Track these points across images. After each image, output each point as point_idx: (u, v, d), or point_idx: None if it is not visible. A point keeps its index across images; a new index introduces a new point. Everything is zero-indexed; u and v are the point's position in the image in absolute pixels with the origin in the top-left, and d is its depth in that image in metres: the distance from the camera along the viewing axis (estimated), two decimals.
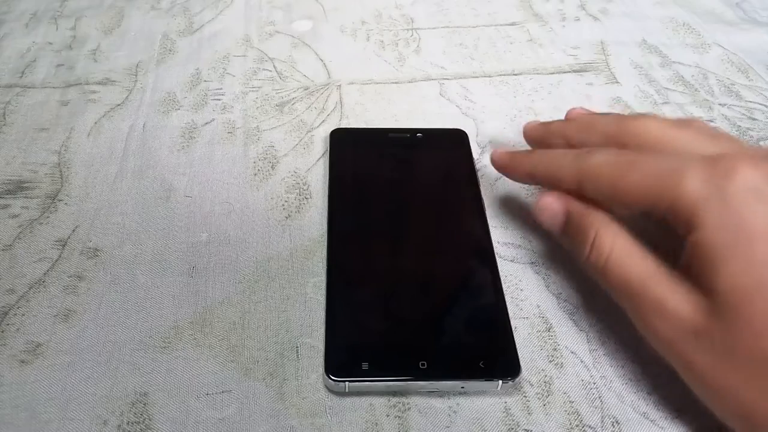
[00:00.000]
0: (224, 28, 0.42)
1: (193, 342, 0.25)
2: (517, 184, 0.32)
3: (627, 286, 0.23)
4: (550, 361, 0.25)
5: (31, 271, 0.28)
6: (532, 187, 0.32)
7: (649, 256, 0.23)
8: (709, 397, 0.21)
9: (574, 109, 0.30)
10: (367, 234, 0.29)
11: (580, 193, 0.25)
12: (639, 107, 0.37)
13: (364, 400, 0.24)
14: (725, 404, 0.21)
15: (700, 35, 0.43)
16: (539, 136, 0.30)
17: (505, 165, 0.29)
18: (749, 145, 0.34)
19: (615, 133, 0.26)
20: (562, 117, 0.30)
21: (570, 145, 0.28)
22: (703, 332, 0.20)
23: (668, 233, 0.22)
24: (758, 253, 0.20)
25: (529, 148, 0.31)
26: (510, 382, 0.23)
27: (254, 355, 0.25)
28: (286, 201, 0.31)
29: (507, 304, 0.26)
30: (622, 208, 0.24)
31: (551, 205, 0.26)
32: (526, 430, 0.23)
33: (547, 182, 0.27)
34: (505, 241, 0.30)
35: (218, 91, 0.37)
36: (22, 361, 0.25)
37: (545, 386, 0.25)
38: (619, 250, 0.23)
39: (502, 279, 0.27)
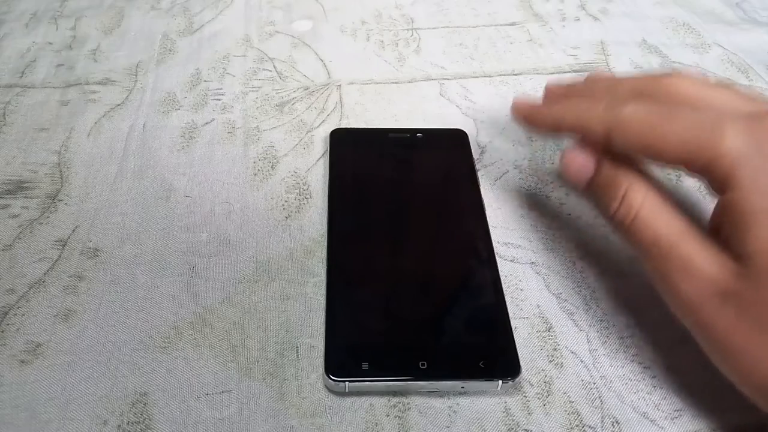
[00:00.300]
0: (224, 28, 0.42)
1: (193, 342, 0.25)
2: (517, 183, 0.32)
3: (654, 244, 0.22)
4: (550, 361, 0.25)
5: (31, 271, 0.28)
6: (533, 186, 0.32)
7: (680, 215, 0.22)
8: (729, 364, 0.20)
9: (595, 70, 0.29)
10: (367, 234, 0.29)
11: (607, 144, 0.24)
12: None
13: (364, 400, 0.24)
14: (746, 371, 0.20)
15: (700, 35, 0.43)
16: (562, 96, 0.28)
17: (527, 114, 0.27)
18: None
19: (645, 92, 0.24)
20: None
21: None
22: (730, 294, 0.20)
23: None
24: None
25: None
26: (510, 382, 0.23)
27: (254, 355, 0.25)
28: (286, 201, 0.31)
29: (507, 304, 0.26)
30: (653, 162, 0.23)
31: (580, 157, 0.25)
32: (526, 430, 0.23)
33: (574, 132, 0.25)
34: (505, 241, 0.30)
35: (218, 91, 0.37)
36: (22, 361, 0.25)
37: (545, 386, 0.25)
38: (649, 207, 0.22)
39: (502, 279, 0.27)
